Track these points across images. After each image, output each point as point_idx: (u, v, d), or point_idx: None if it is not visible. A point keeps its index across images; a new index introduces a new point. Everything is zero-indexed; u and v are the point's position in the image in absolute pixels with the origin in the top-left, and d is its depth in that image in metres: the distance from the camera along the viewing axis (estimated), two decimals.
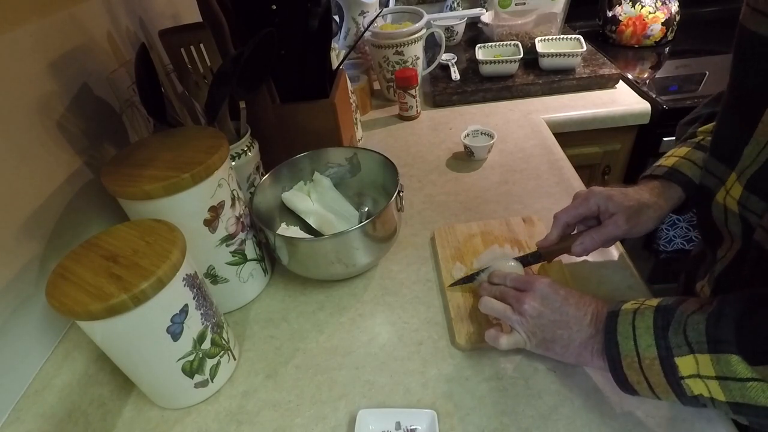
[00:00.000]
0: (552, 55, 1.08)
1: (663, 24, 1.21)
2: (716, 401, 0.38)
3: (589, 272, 0.62)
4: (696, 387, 0.39)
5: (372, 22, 0.96)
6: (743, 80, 0.45)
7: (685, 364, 0.39)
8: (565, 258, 0.63)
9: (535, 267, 0.62)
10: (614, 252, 0.65)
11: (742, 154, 0.45)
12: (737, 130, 0.45)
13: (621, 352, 0.42)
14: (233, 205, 0.57)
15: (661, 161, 0.59)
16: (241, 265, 0.61)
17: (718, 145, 0.50)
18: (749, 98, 0.44)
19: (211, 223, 0.55)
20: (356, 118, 0.96)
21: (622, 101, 1.03)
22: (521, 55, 1.10)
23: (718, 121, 0.50)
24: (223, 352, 0.54)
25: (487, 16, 1.26)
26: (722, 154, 0.48)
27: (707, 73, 1.10)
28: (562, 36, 1.15)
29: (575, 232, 0.58)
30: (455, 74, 1.15)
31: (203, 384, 0.52)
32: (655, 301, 0.44)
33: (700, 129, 0.60)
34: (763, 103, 0.41)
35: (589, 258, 0.64)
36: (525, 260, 0.59)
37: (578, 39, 1.11)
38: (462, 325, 0.56)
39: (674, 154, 0.58)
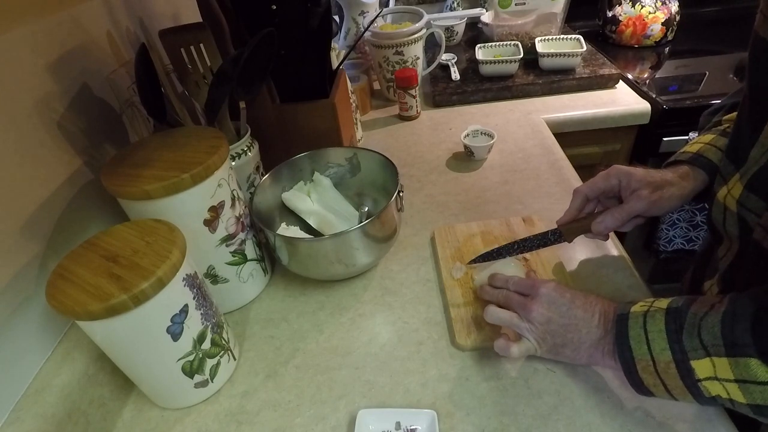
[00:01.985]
0: (552, 55, 1.08)
1: (663, 24, 1.21)
2: (736, 402, 0.38)
3: (589, 272, 0.62)
4: (714, 388, 0.38)
5: (372, 22, 0.96)
6: (756, 85, 0.45)
7: (701, 367, 0.39)
8: (565, 258, 0.63)
9: (537, 268, 0.62)
10: (614, 252, 0.65)
11: (748, 157, 0.45)
12: (748, 132, 0.45)
13: (635, 357, 0.42)
14: (233, 205, 0.57)
15: (686, 148, 0.58)
16: (241, 265, 0.61)
17: (733, 147, 0.50)
18: (761, 102, 0.44)
19: (211, 223, 0.55)
20: (356, 118, 0.96)
21: (622, 101, 1.03)
22: (521, 55, 1.10)
23: (735, 123, 0.50)
24: (223, 352, 0.54)
25: (487, 16, 1.26)
26: (735, 155, 0.49)
27: (707, 73, 1.10)
28: (562, 36, 1.15)
29: (596, 211, 0.57)
30: (455, 74, 1.15)
31: (203, 384, 0.52)
32: (664, 303, 0.43)
33: (725, 117, 0.59)
34: None
35: (590, 258, 0.64)
36: (545, 238, 0.58)
37: (578, 39, 1.11)
38: (462, 325, 0.56)
39: (699, 141, 0.57)
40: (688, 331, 0.40)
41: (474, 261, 0.60)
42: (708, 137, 0.57)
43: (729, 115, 0.59)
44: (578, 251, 0.65)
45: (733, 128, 0.51)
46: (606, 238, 0.58)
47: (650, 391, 0.42)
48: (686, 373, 0.39)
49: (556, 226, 0.59)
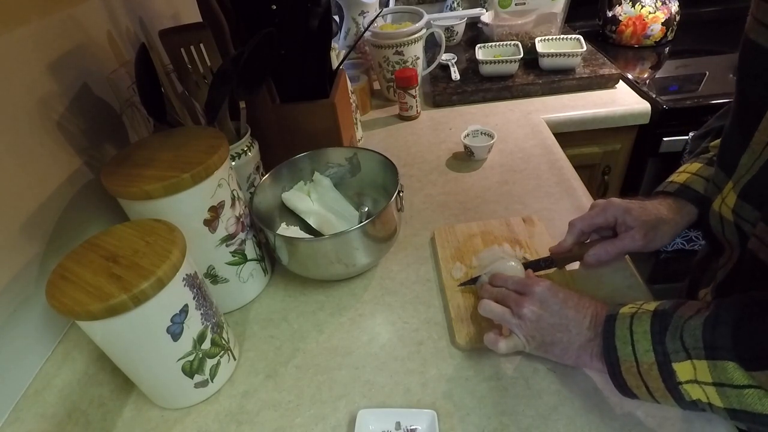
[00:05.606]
0: (552, 55, 1.08)
1: (663, 24, 1.21)
2: (714, 406, 0.38)
3: (589, 272, 0.62)
4: (694, 392, 0.39)
5: (372, 22, 0.96)
6: (745, 90, 0.45)
7: (682, 369, 0.39)
8: None
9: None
10: None
11: (738, 164, 0.45)
12: (738, 139, 0.45)
13: (619, 357, 0.42)
14: (233, 205, 0.57)
15: (673, 177, 0.58)
16: (241, 265, 0.61)
17: (722, 155, 0.50)
18: (750, 108, 0.44)
19: (211, 223, 0.55)
20: (356, 118, 0.96)
21: (622, 101, 1.03)
22: (521, 55, 1.10)
23: (724, 131, 0.50)
24: (223, 352, 0.54)
25: (487, 16, 1.26)
26: (724, 163, 0.48)
27: (707, 73, 1.10)
28: (562, 36, 1.15)
29: (589, 240, 0.58)
30: (455, 74, 1.15)
31: (203, 384, 0.52)
32: (652, 305, 0.43)
33: (711, 144, 0.59)
34: (762, 113, 0.41)
35: None
36: (537, 265, 0.59)
37: (578, 39, 1.11)
38: (462, 325, 0.56)
39: (686, 170, 0.58)
40: (671, 333, 0.40)
41: (464, 284, 0.61)
42: (695, 166, 0.57)
43: (715, 142, 0.59)
44: None
45: (723, 135, 0.50)
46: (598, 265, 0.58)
47: (633, 392, 0.42)
48: (668, 375, 0.40)
49: (550, 251, 0.59)
